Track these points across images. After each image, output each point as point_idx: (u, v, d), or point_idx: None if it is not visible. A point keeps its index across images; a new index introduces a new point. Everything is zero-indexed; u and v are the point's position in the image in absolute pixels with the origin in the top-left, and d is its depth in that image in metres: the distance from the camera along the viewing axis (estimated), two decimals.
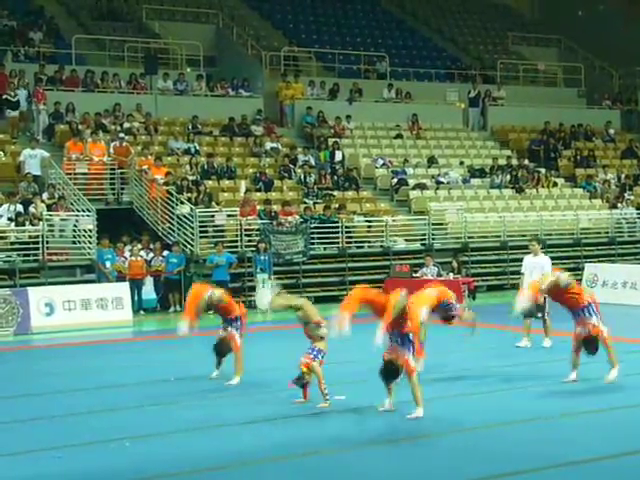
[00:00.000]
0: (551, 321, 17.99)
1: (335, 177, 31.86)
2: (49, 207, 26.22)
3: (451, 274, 25.81)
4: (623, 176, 36.41)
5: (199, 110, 33.44)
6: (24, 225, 25.17)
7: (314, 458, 10.54)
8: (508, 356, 17.16)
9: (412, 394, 11.86)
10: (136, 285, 25.40)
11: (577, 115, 40.57)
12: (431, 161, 34.82)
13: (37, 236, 25.00)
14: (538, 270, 17.84)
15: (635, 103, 43.06)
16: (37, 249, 24.97)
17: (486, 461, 10.15)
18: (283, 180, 31.02)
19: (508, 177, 34.28)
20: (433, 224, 30.07)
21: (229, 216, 27.62)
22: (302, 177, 30.94)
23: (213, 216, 27.44)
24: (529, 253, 18.92)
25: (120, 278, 25.20)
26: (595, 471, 9.88)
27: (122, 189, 29.08)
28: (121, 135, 29.94)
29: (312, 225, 27.98)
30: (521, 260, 19.30)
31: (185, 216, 26.99)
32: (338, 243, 28.40)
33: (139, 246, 26.31)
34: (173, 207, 27.35)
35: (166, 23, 38.91)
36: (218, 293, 15.10)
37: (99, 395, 14.25)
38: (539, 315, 17.89)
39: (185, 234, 26.88)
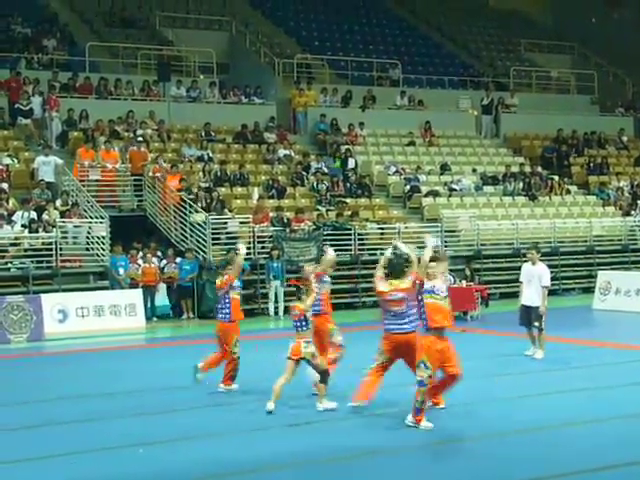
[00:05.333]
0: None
1: (348, 184, 31.87)
2: (62, 214, 26.27)
3: (464, 281, 25.78)
4: (636, 183, 36.33)
5: (212, 117, 33.52)
6: (38, 232, 25.23)
7: (330, 465, 10.56)
8: (517, 364, 17.03)
9: None
10: (149, 292, 25.45)
11: (590, 122, 40.50)
12: (444, 168, 34.80)
13: (50, 243, 25.06)
14: (535, 279, 17.64)
15: None
16: (50, 256, 25.03)
17: (509, 467, 10.19)
18: (296, 187, 31.06)
19: (521, 184, 34.24)
20: (446, 231, 30.07)
21: (242, 223, 27.65)
22: (315, 184, 30.95)
23: (226, 223, 27.48)
24: (527, 262, 18.61)
25: (133, 285, 25.27)
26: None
27: (138, 196, 29.17)
28: (140, 139, 30.12)
29: (325, 232, 27.98)
30: None
31: (198, 223, 27.05)
32: (351, 250, 28.39)
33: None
34: (186, 214, 27.42)
35: (179, 30, 39.07)
36: None
37: (112, 401, 14.28)
38: (536, 324, 17.44)
39: (198, 241, 26.93)
